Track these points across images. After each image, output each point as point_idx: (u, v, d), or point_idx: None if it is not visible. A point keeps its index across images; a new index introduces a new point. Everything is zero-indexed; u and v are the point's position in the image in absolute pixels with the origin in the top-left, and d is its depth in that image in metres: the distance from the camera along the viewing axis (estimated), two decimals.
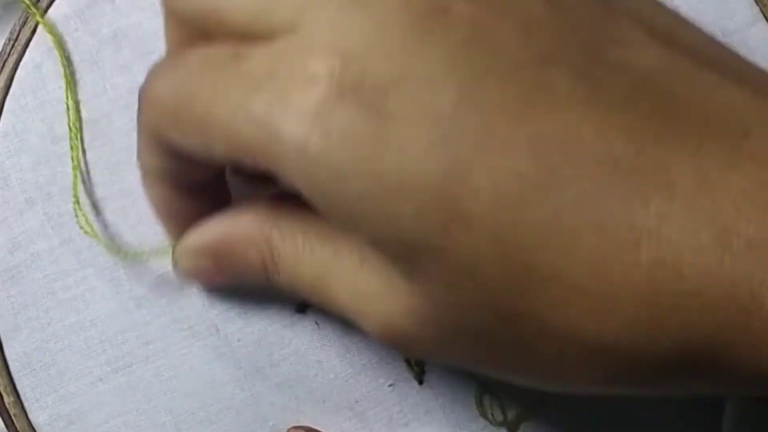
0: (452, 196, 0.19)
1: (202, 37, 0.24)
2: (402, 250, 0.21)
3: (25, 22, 0.35)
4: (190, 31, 0.25)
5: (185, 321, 0.33)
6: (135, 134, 0.33)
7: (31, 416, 0.33)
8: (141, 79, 0.34)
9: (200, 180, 0.28)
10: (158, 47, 0.34)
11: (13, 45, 0.35)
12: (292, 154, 0.20)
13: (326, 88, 0.20)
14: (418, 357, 0.25)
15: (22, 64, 0.35)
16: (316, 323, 0.33)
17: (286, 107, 0.20)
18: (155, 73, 0.25)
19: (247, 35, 0.22)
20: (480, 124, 0.19)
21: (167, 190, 0.28)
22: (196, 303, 0.33)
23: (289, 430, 0.33)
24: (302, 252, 0.25)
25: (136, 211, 0.34)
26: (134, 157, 0.34)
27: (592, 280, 0.19)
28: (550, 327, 0.20)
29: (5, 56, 0.35)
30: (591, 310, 0.20)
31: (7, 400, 0.33)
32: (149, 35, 0.34)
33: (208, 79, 0.22)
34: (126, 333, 0.33)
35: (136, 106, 0.33)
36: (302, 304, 0.33)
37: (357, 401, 0.33)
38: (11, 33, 0.35)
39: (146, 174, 0.29)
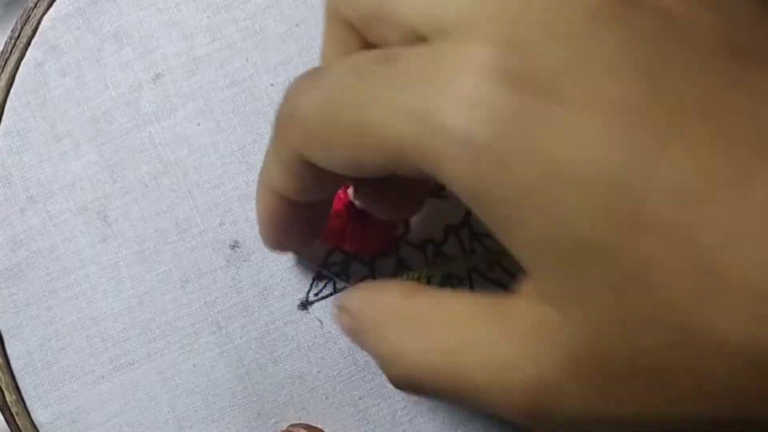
0: (632, 190, 0.18)
1: (359, 46, 0.23)
2: (568, 253, 0.18)
3: (26, 21, 0.35)
4: (349, 39, 0.23)
5: (187, 318, 0.33)
6: (135, 132, 0.34)
7: (33, 414, 0.33)
8: (142, 76, 0.34)
9: (321, 197, 0.26)
10: (160, 45, 0.34)
11: (14, 43, 0.35)
12: (455, 146, 0.19)
13: (490, 74, 0.18)
14: (568, 426, 0.20)
15: (24, 62, 0.35)
16: (319, 320, 0.33)
17: (447, 97, 0.19)
18: (298, 89, 0.23)
19: (410, 37, 0.21)
20: (666, 115, 0.18)
21: (283, 205, 0.26)
22: (198, 300, 0.33)
23: (288, 427, 0.33)
24: (426, 336, 0.22)
25: (137, 208, 0.34)
26: (135, 154, 0.34)
27: None
28: (731, 343, 0.17)
29: (7, 54, 0.35)
30: None
31: (9, 398, 0.33)
32: (151, 33, 0.34)
33: (359, 86, 0.21)
34: (128, 331, 0.33)
35: (136, 104, 0.34)
36: (305, 302, 0.33)
37: (360, 398, 0.33)
38: (13, 31, 0.35)
39: (266, 189, 0.26)
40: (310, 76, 0.23)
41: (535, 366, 0.20)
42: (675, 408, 0.19)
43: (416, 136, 0.19)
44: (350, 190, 0.32)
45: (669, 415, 0.19)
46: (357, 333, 0.25)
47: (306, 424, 0.32)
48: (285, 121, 0.24)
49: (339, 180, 0.25)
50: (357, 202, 0.32)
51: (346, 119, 0.21)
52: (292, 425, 0.33)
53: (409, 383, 0.23)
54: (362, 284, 0.27)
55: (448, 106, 0.19)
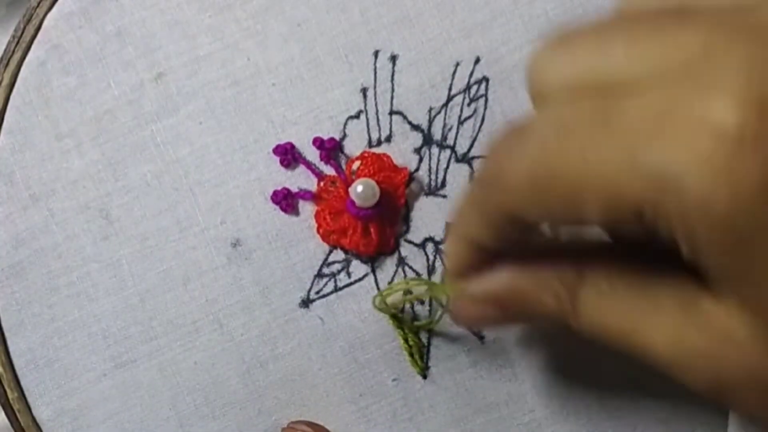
0: None
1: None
2: None
3: (29, 20, 0.35)
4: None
5: (189, 316, 0.33)
6: (137, 130, 0.34)
7: (35, 412, 0.33)
8: (144, 75, 0.34)
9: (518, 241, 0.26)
10: (162, 44, 0.34)
11: (17, 43, 0.35)
12: (693, 209, 0.18)
13: (738, 140, 0.17)
14: (757, 407, 0.22)
15: (26, 61, 0.35)
16: (320, 318, 0.33)
17: (687, 157, 0.18)
18: (504, 149, 0.23)
19: (613, 86, 0.20)
20: None
21: (474, 251, 0.26)
22: (199, 298, 0.33)
23: (288, 424, 0.33)
24: (608, 298, 0.23)
25: (139, 206, 0.34)
26: (137, 153, 0.34)
27: None
28: None
29: (10, 54, 0.35)
30: None
31: (11, 395, 0.33)
32: (153, 32, 0.34)
33: (574, 141, 0.20)
34: (129, 329, 0.34)
35: (138, 103, 0.34)
36: (306, 300, 0.33)
37: (361, 395, 0.33)
38: (16, 31, 0.35)
39: (462, 240, 0.26)
40: (515, 134, 0.22)
41: (722, 355, 0.21)
42: None
43: (647, 192, 0.19)
44: (351, 189, 0.32)
45: None
46: (511, 309, 0.26)
47: (308, 422, 0.33)
48: (492, 182, 0.23)
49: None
50: (358, 202, 0.32)
51: (563, 178, 0.20)
52: (294, 422, 0.33)
53: (587, 333, 0.24)
54: (486, 273, 0.27)
55: (689, 167, 0.18)
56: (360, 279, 0.33)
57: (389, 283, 0.33)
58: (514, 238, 0.25)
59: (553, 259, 0.25)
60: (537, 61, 0.22)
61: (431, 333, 0.33)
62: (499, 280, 0.26)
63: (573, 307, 0.24)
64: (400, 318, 0.33)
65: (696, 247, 0.19)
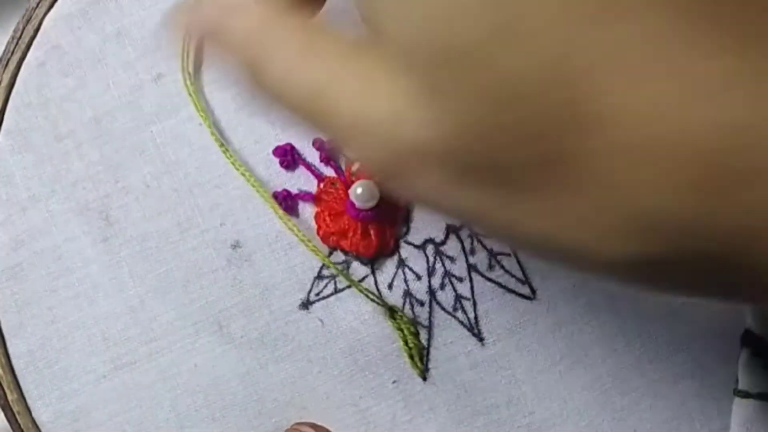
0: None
1: None
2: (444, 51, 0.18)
3: (28, 21, 0.35)
4: None
5: (188, 318, 0.33)
6: (137, 132, 0.34)
7: (34, 413, 0.33)
8: (144, 76, 0.34)
9: None
10: (162, 45, 0.34)
11: (16, 43, 0.35)
12: None
13: None
14: (414, 193, 0.20)
15: (25, 62, 0.35)
16: (320, 320, 0.33)
17: None
18: None
19: None
20: None
21: None
22: (199, 300, 0.33)
23: (292, 426, 0.33)
24: (302, 56, 0.21)
25: (139, 208, 0.34)
26: (137, 154, 0.34)
27: (646, 130, 0.16)
28: (593, 178, 0.17)
29: (9, 54, 0.35)
30: (649, 165, 0.16)
31: (11, 397, 0.33)
32: (152, 33, 0.34)
33: None
34: (129, 330, 0.33)
35: (138, 104, 0.34)
36: (306, 302, 0.33)
37: (361, 397, 0.33)
38: (15, 31, 0.35)
39: None
40: None
41: (399, 121, 0.19)
42: (509, 209, 0.19)
43: None
44: (351, 190, 0.32)
45: (502, 213, 0.19)
46: (212, 32, 0.23)
47: (312, 423, 0.33)
48: None
49: None
50: (357, 204, 0.32)
51: None
52: (298, 423, 0.33)
53: (274, 95, 0.22)
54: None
55: None
56: (360, 281, 0.33)
57: (389, 285, 0.33)
58: None
59: (273, 3, 0.23)
60: None
61: (431, 335, 0.33)
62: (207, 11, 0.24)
63: (264, 62, 0.22)
64: (400, 317, 0.33)
65: None
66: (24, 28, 0.35)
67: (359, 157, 0.21)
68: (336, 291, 0.33)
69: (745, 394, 0.30)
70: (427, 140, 0.19)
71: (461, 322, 0.33)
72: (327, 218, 0.33)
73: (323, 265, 0.33)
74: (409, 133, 0.19)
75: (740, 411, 0.31)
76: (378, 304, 0.33)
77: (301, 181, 0.34)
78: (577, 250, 0.19)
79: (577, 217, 0.18)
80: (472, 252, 0.33)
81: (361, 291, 0.33)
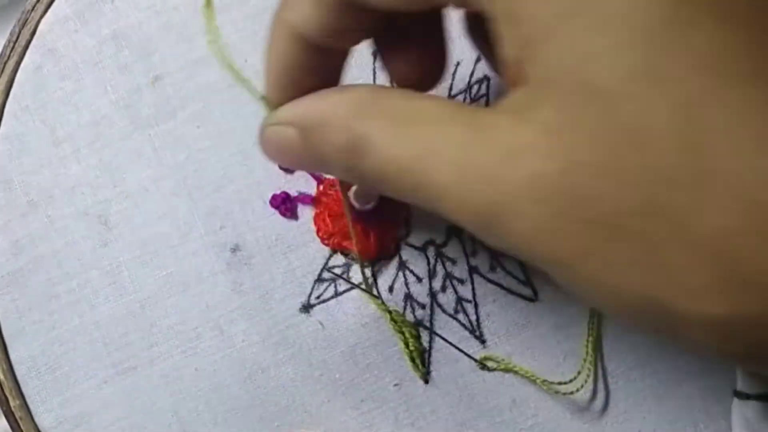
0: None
1: None
2: (575, 88, 0.19)
3: (24, 24, 0.35)
4: None
5: (189, 322, 0.33)
6: (135, 135, 0.34)
7: (36, 419, 0.33)
8: (141, 79, 0.34)
9: (346, 44, 0.25)
10: (158, 47, 0.34)
11: (13, 47, 0.34)
12: None
13: None
14: (509, 238, 0.20)
15: (22, 66, 0.34)
16: (320, 323, 0.33)
17: None
18: None
19: None
20: None
21: (300, 50, 0.24)
22: (199, 304, 0.33)
23: None
24: (398, 131, 0.22)
25: (138, 212, 0.34)
26: (135, 158, 0.34)
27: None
28: (692, 231, 0.18)
29: (5, 58, 0.34)
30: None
31: (13, 403, 0.33)
32: (149, 36, 0.34)
33: None
34: (130, 335, 0.33)
35: (136, 107, 0.34)
36: (306, 305, 0.33)
37: (362, 401, 0.33)
38: (11, 35, 0.35)
39: (284, 28, 0.24)
40: None
41: (502, 177, 0.20)
42: (605, 254, 0.19)
43: None
44: (351, 192, 0.32)
45: (598, 259, 0.19)
46: (312, 138, 0.24)
47: None
48: None
49: (372, 20, 0.24)
50: (357, 205, 0.32)
51: None
52: None
53: (376, 177, 0.23)
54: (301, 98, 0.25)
55: None
56: (361, 283, 0.33)
57: (390, 287, 0.33)
58: (341, 26, 0.24)
59: (358, 92, 0.23)
60: None
61: (432, 337, 0.33)
62: (308, 103, 0.24)
63: (362, 146, 0.22)
64: (401, 320, 0.33)
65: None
66: (20, 32, 0.35)
67: (456, 211, 0.21)
68: (336, 294, 0.33)
69: (745, 396, 0.30)
70: (545, 172, 0.19)
71: (463, 324, 0.33)
72: (327, 220, 0.33)
73: (323, 267, 0.33)
74: (523, 167, 0.19)
75: (740, 412, 0.31)
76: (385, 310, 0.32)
77: (300, 183, 0.33)
78: (667, 307, 0.18)
79: (671, 270, 0.18)
80: (474, 254, 0.33)
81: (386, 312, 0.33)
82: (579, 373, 0.32)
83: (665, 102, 0.18)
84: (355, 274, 0.33)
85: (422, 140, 0.21)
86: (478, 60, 0.33)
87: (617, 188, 0.18)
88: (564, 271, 0.20)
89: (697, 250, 0.18)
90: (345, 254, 0.33)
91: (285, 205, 0.33)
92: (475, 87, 0.34)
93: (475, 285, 0.33)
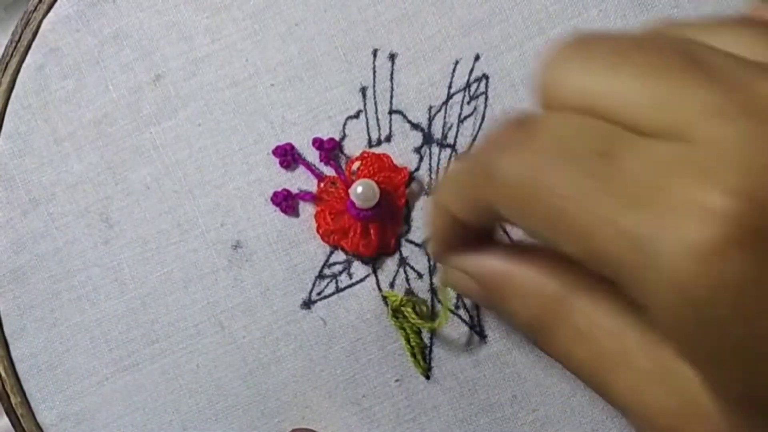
0: None
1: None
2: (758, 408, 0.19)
3: (27, 24, 0.35)
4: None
5: (190, 319, 0.33)
6: (137, 133, 0.34)
7: (38, 416, 0.33)
8: (143, 78, 0.34)
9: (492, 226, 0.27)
10: (159, 46, 0.34)
11: (15, 47, 0.35)
12: (665, 286, 0.18)
13: (725, 230, 0.17)
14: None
15: (24, 66, 0.35)
16: (322, 319, 0.33)
17: (670, 236, 0.18)
18: (502, 146, 0.22)
19: (623, 122, 0.20)
20: None
21: (454, 223, 0.26)
22: (200, 301, 0.33)
23: (290, 431, 0.33)
24: (590, 331, 0.23)
25: (139, 210, 0.34)
26: (137, 156, 0.34)
27: None
28: None
29: (7, 58, 0.35)
30: None
31: (14, 400, 0.33)
32: (150, 34, 0.34)
33: (567, 173, 0.20)
34: (131, 332, 0.34)
35: (137, 105, 0.34)
36: (308, 301, 0.33)
37: (364, 396, 0.33)
38: (13, 35, 0.35)
39: (442, 208, 0.26)
40: (517, 132, 0.22)
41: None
42: None
43: (623, 255, 0.19)
44: (351, 190, 0.32)
45: None
46: (495, 297, 0.25)
47: (309, 429, 0.33)
48: (481, 171, 0.23)
49: None
50: (358, 204, 0.32)
51: (547, 203, 0.20)
52: (296, 429, 0.33)
53: (562, 360, 0.24)
54: (486, 249, 0.26)
55: (670, 247, 0.18)
56: (361, 280, 0.33)
57: (390, 284, 0.33)
58: (492, 224, 0.25)
59: (556, 268, 0.24)
60: (551, 68, 0.22)
61: (433, 333, 0.33)
62: (495, 263, 0.25)
63: (552, 328, 0.23)
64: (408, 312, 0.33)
65: (664, 324, 0.19)
66: (22, 32, 0.35)
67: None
68: (337, 290, 0.33)
69: None
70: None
71: (463, 320, 0.33)
72: (327, 218, 0.33)
73: (324, 264, 0.33)
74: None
75: None
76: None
77: (301, 180, 0.34)
78: None
79: None
80: None
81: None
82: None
83: None
84: (356, 270, 0.33)
85: (608, 359, 0.22)
86: (477, 58, 0.34)
87: None
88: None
89: None
90: (346, 251, 0.33)
91: (286, 202, 0.33)
92: (474, 85, 0.34)
93: None
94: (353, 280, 0.33)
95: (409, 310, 0.33)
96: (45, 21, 0.35)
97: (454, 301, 0.33)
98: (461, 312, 0.33)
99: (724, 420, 0.20)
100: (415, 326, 0.33)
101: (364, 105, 0.34)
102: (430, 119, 0.34)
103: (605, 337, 0.22)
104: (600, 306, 0.23)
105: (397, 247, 0.33)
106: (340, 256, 0.33)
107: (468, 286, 0.26)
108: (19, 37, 0.35)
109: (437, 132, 0.33)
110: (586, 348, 0.23)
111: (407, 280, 0.33)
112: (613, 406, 0.23)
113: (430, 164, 0.34)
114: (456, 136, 0.33)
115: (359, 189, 0.32)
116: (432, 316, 0.33)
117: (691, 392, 0.20)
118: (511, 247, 0.25)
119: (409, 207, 0.33)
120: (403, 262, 0.33)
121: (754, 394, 0.19)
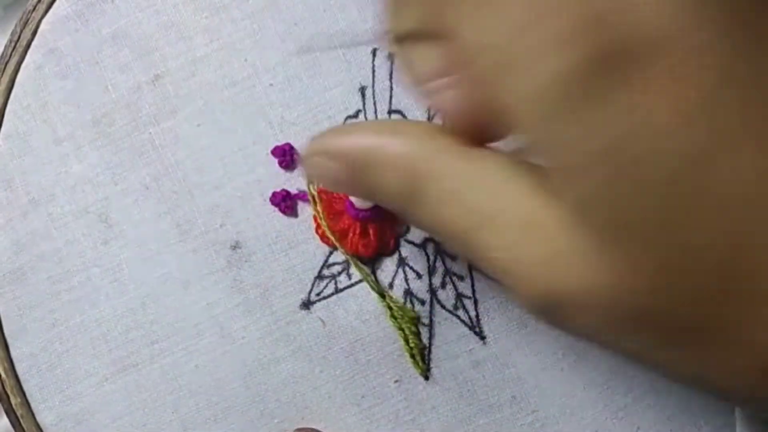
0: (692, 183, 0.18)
1: None
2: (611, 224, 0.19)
3: (25, 24, 0.35)
4: None
5: (189, 320, 0.33)
6: (136, 134, 0.34)
7: (38, 417, 0.34)
8: (142, 78, 0.34)
9: None
10: (158, 46, 0.34)
11: (14, 47, 0.35)
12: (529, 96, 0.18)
13: (582, 52, 0.17)
14: (566, 329, 0.21)
15: (23, 66, 0.35)
16: (321, 320, 0.33)
17: (534, 70, 0.18)
18: None
19: None
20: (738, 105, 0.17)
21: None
22: (199, 301, 0.33)
23: (294, 430, 0.33)
24: (459, 189, 0.22)
25: (138, 210, 0.34)
26: (136, 156, 0.34)
27: None
28: (743, 341, 0.19)
29: (6, 58, 0.35)
30: None
31: (14, 401, 0.33)
32: (149, 34, 0.34)
33: None
34: (131, 333, 0.34)
35: (136, 105, 0.34)
36: (307, 302, 0.33)
37: (363, 397, 0.33)
38: (12, 35, 0.35)
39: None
40: None
41: (564, 264, 0.20)
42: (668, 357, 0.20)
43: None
44: None
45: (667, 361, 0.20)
46: (360, 177, 0.24)
47: (312, 429, 0.33)
48: None
49: None
50: (357, 204, 0.32)
51: None
52: (300, 429, 0.33)
53: (427, 223, 0.23)
54: (348, 127, 0.25)
55: (537, 72, 0.18)
56: (361, 280, 0.33)
57: (390, 284, 0.33)
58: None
59: (417, 134, 0.23)
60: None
61: (432, 334, 0.33)
62: (356, 138, 0.24)
63: (420, 192, 0.22)
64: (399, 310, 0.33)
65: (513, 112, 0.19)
66: (21, 32, 0.35)
67: (517, 296, 0.21)
68: (337, 291, 0.33)
69: None
70: (593, 287, 0.19)
71: (462, 321, 0.33)
72: (326, 218, 0.33)
73: (323, 264, 0.33)
74: (572, 277, 0.20)
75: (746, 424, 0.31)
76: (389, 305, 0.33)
77: (300, 180, 0.34)
78: (716, 387, 0.20)
79: (720, 366, 0.19)
80: None
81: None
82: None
83: None
84: (355, 271, 0.33)
85: (481, 215, 0.21)
86: None
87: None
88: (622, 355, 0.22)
89: (744, 355, 0.19)
90: (345, 251, 0.33)
91: (285, 202, 0.33)
92: None
93: (475, 281, 0.33)
94: (352, 281, 0.33)
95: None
96: (44, 21, 0.35)
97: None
98: (460, 313, 0.33)
99: (589, 264, 0.19)
100: (414, 327, 0.33)
101: (364, 105, 0.34)
102: (430, 119, 0.33)
103: (475, 195, 0.22)
104: (469, 165, 0.22)
105: (396, 248, 0.33)
106: (339, 256, 0.33)
107: (328, 168, 0.25)
108: (18, 37, 0.35)
109: None
110: (456, 207, 0.22)
111: (406, 280, 0.33)
112: (485, 268, 0.22)
113: None
114: None
115: None
116: (431, 311, 0.33)
117: (557, 241, 0.20)
118: (379, 122, 0.25)
119: None
120: (402, 262, 0.33)
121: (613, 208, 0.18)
